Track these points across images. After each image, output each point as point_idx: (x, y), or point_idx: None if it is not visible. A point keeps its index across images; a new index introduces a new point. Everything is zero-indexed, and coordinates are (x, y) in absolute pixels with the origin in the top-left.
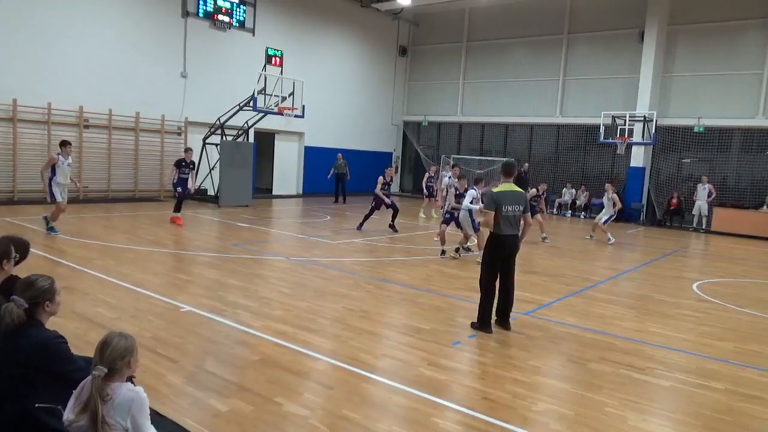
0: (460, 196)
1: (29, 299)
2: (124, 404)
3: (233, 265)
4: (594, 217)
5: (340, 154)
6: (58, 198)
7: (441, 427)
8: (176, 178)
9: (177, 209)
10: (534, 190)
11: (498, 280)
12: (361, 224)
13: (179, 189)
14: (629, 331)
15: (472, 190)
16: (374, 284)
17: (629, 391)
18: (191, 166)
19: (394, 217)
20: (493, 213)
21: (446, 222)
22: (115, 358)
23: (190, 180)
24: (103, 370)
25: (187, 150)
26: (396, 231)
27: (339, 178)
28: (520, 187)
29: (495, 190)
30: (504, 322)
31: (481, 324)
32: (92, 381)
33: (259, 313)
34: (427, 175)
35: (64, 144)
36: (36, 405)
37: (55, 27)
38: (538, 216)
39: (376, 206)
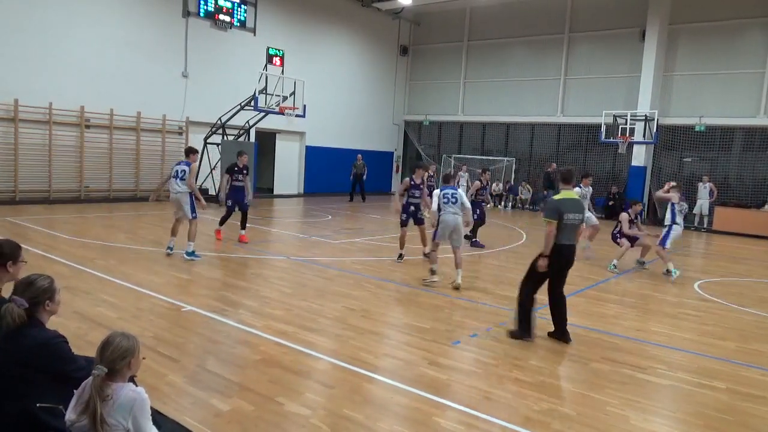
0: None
1: (29, 299)
2: (125, 405)
3: (234, 264)
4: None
5: (360, 155)
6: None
7: (442, 427)
8: (229, 187)
9: (223, 221)
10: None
11: (549, 290)
12: (475, 239)
13: (230, 201)
14: (631, 330)
15: (438, 189)
16: (375, 284)
17: (631, 390)
18: (245, 172)
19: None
20: (556, 223)
21: (404, 224)
22: (116, 358)
23: (246, 189)
24: (103, 369)
25: (241, 153)
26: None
27: (357, 178)
28: (549, 187)
29: (556, 197)
30: (564, 334)
31: (523, 331)
32: (92, 380)
33: (260, 313)
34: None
35: (194, 152)
36: (37, 404)
37: (56, 27)
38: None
39: (481, 216)
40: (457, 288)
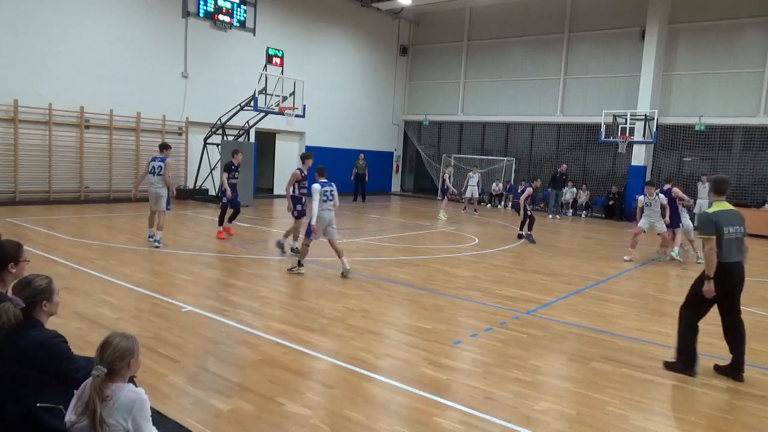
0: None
1: (26, 299)
2: (125, 405)
3: (234, 265)
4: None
5: (362, 155)
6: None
7: (443, 427)
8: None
9: (221, 221)
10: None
11: (722, 318)
12: (528, 234)
13: (225, 197)
14: (631, 330)
15: (317, 185)
16: (375, 284)
17: (631, 390)
18: (240, 170)
19: (524, 225)
20: (715, 238)
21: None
22: (115, 358)
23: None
24: (102, 370)
25: (236, 152)
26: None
27: (359, 178)
28: (557, 188)
29: (710, 210)
30: (738, 372)
31: (684, 365)
32: (92, 381)
33: (261, 313)
34: (446, 175)
35: (167, 147)
36: (37, 405)
37: (55, 28)
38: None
39: (527, 214)
40: (346, 275)
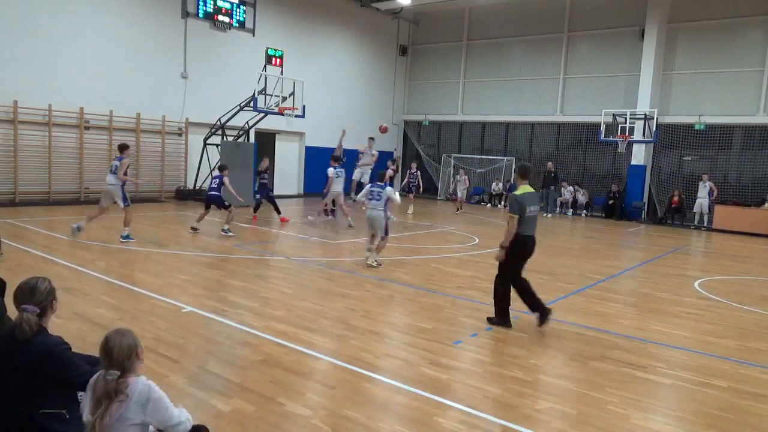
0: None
1: (37, 304)
2: (139, 399)
3: (234, 265)
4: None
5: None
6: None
7: (443, 427)
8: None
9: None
10: (389, 171)
11: (515, 280)
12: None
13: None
14: (631, 329)
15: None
16: (375, 284)
17: (631, 389)
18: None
19: None
20: (518, 216)
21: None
22: (123, 358)
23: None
24: (115, 373)
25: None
26: None
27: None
28: (549, 186)
29: (517, 192)
30: (546, 316)
31: (502, 320)
32: (105, 385)
33: (261, 314)
34: (458, 177)
35: (126, 147)
36: (40, 411)
37: (55, 29)
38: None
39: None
40: (377, 265)
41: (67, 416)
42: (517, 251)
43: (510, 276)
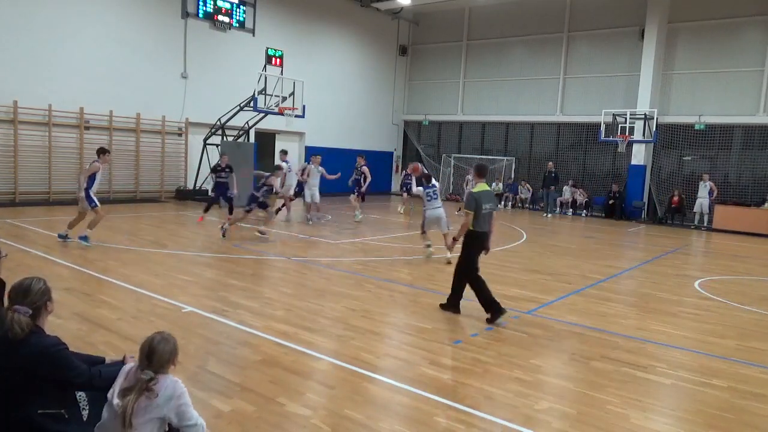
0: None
1: (31, 305)
2: (166, 396)
3: (234, 265)
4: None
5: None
6: (97, 203)
7: (443, 426)
8: (214, 183)
9: (207, 209)
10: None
11: (471, 274)
12: None
13: (213, 193)
14: (631, 329)
15: (420, 188)
16: (375, 284)
17: (631, 389)
18: (227, 170)
19: None
20: (473, 212)
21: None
22: (162, 363)
23: (230, 184)
24: (150, 374)
25: (222, 154)
26: None
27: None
28: (549, 186)
29: (474, 190)
30: (499, 312)
31: (453, 307)
32: (138, 380)
33: (261, 314)
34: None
35: (103, 152)
36: (39, 411)
37: (55, 29)
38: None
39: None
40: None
41: (66, 416)
42: (472, 246)
43: (465, 271)
